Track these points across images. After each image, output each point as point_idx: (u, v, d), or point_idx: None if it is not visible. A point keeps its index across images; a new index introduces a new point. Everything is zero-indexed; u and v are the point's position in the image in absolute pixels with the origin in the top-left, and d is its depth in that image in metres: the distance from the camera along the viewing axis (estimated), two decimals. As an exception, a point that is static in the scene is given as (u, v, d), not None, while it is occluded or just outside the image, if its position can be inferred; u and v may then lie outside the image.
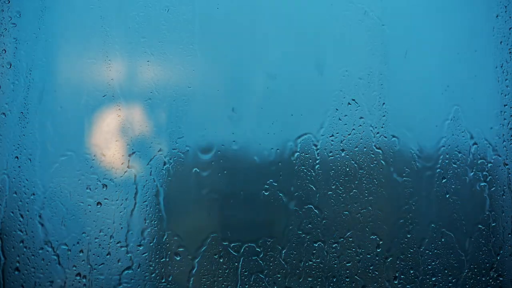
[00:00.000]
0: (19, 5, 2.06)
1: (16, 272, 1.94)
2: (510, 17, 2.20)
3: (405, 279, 2.04)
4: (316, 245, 2.02)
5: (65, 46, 2.05)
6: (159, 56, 2.05)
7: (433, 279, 2.05)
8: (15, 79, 2.02)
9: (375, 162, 2.07)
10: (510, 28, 2.20)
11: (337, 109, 2.08)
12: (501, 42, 2.19)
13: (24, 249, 1.94)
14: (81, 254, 1.95)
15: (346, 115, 2.08)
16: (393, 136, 2.09)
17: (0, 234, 1.95)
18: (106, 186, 1.98)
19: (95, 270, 1.94)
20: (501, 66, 2.18)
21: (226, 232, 2.00)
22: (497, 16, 2.20)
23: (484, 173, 2.12)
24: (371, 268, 2.03)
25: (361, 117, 2.09)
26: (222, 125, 2.04)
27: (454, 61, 2.18)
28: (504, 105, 2.17)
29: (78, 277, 1.94)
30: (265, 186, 2.02)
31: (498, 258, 2.09)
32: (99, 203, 1.97)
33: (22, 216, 1.95)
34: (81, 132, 2.00)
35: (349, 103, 2.09)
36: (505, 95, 2.17)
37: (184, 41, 2.07)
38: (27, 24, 2.04)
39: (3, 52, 2.04)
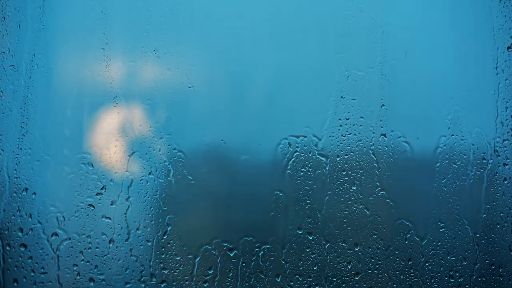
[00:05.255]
0: (19, 5, 2.06)
1: (16, 272, 1.94)
2: (510, 17, 2.21)
3: (405, 279, 2.04)
4: (316, 245, 2.02)
5: (66, 46, 2.05)
6: (159, 56, 2.05)
7: (433, 279, 2.05)
8: (15, 79, 2.01)
9: (375, 161, 2.07)
10: (510, 28, 2.20)
11: (337, 109, 2.08)
12: (501, 41, 2.20)
13: (24, 249, 1.94)
14: (81, 254, 1.95)
15: (346, 115, 2.08)
16: (393, 136, 2.09)
17: (0, 234, 1.95)
18: (106, 186, 1.98)
19: (95, 270, 1.94)
20: (501, 66, 2.18)
21: (226, 231, 2.00)
22: (496, 16, 2.20)
23: (484, 173, 2.12)
24: (371, 267, 2.03)
25: (361, 117, 2.09)
26: (222, 125, 2.04)
27: (454, 61, 2.18)
28: (504, 105, 2.17)
29: (78, 277, 1.94)
30: (266, 186, 2.02)
31: (498, 258, 2.09)
32: (99, 203, 1.97)
33: (22, 216, 1.95)
34: (81, 132, 2.00)
35: (350, 104, 2.09)
36: (505, 95, 2.17)
37: (184, 41, 2.07)
38: (28, 25, 2.04)
39: (4, 52, 2.04)
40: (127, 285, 1.95)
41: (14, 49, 2.04)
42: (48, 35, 2.04)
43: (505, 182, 2.12)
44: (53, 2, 2.06)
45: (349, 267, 2.02)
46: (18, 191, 1.96)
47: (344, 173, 2.06)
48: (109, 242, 1.96)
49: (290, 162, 2.04)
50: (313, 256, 2.02)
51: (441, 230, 2.07)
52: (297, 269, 2.01)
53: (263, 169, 2.03)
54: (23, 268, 1.94)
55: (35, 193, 1.96)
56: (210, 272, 1.98)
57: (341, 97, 2.09)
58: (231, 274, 1.98)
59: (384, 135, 2.09)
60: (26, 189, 1.96)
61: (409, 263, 2.05)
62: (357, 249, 2.03)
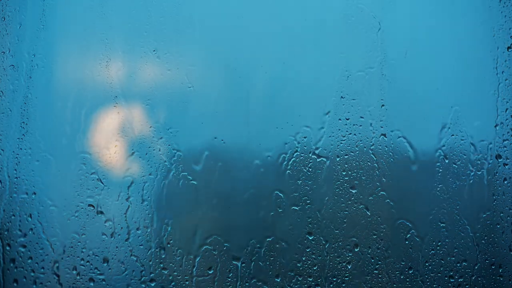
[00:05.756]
0: (19, 5, 2.06)
1: (16, 272, 1.94)
2: (510, 17, 2.21)
3: (405, 279, 2.04)
4: (316, 245, 2.02)
5: (66, 46, 2.05)
6: (159, 56, 2.05)
7: (433, 280, 2.05)
8: (15, 79, 2.02)
9: (375, 161, 2.07)
10: (510, 28, 2.20)
11: (337, 109, 2.08)
12: (501, 41, 2.20)
13: (24, 249, 1.94)
14: (81, 254, 1.95)
15: (346, 115, 2.08)
16: (393, 136, 2.09)
17: (0, 234, 1.95)
18: (106, 186, 1.98)
19: (95, 270, 1.94)
20: (501, 66, 2.18)
21: (226, 231, 2.00)
22: (496, 16, 2.20)
23: (484, 173, 2.12)
24: (371, 268, 2.03)
25: (361, 117, 2.09)
26: (222, 125, 2.04)
27: (454, 61, 2.18)
28: (504, 106, 2.17)
29: (78, 277, 1.94)
30: (266, 186, 2.02)
31: (498, 258, 2.09)
32: (99, 203, 1.97)
33: (22, 216, 1.95)
34: (81, 132, 2.00)
35: (350, 104, 2.09)
36: (505, 95, 2.17)
37: (184, 41, 2.07)
38: (28, 25, 2.04)
39: (4, 52, 2.04)
40: (127, 286, 1.95)
41: (14, 49, 2.04)
42: (48, 35, 2.05)
43: (505, 182, 2.12)
44: (53, 2, 2.06)
45: (349, 267, 2.02)
46: (18, 191, 1.96)
47: (344, 173, 2.06)
48: (109, 242, 1.96)
49: (290, 162, 2.04)
50: (313, 256, 2.02)
51: (441, 230, 2.07)
52: (297, 269, 2.01)
53: (263, 169, 2.03)
54: (23, 268, 1.94)
55: (35, 193, 1.96)
56: (210, 272, 1.98)
57: (341, 97, 2.09)
58: (231, 274, 1.98)
59: (384, 135, 2.09)
60: (26, 189, 1.96)
61: (409, 263, 2.05)
62: (357, 250, 2.03)
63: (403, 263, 2.04)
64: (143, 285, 1.95)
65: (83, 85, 2.03)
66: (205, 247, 1.98)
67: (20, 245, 1.94)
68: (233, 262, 1.99)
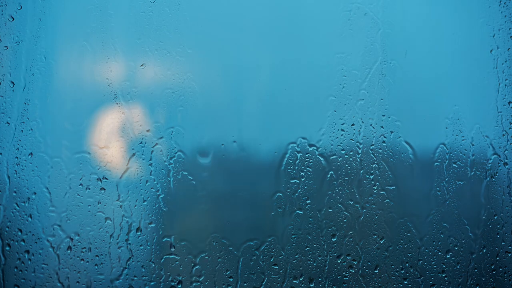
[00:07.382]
0: (19, 4, 2.06)
1: (16, 272, 1.94)
2: (510, 17, 2.21)
3: (405, 279, 2.04)
4: (316, 245, 2.02)
5: (65, 46, 2.05)
6: (159, 56, 2.05)
7: (433, 279, 2.06)
8: (15, 79, 2.01)
9: (375, 162, 2.07)
10: (510, 28, 2.20)
11: (336, 109, 2.08)
12: (501, 41, 2.20)
13: (24, 249, 1.94)
14: (81, 254, 1.95)
15: (345, 115, 2.08)
16: (393, 136, 2.09)
17: (0, 234, 1.95)
18: (106, 186, 1.98)
19: (95, 270, 1.94)
20: (501, 65, 2.18)
21: (226, 231, 2.00)
22: (496, 16, 2.20)
23: (484, 173, 2.12)
24: (371, 267, 2.03)
25: (360, 118, 2.09)
26: (222, 125, 2.04)
27: (454, 61, 2.18)
28: (504, 105, 2.17)
29: (78, 277, 1.94)
30: (266, 186, 2.02)
31: (498, 258, 2.09)
32: (99, 203, 1.97)
33: (22, 215, 1.95)
34: (81, 132, 2.00)
35: (350, 104, 2.09)
36: (505, 95, 2.17)
37: (184, 41, 2.07)
38: (27, 24, 2.04)
39: (3, 51, 2.03)
40: (128, 286, 1.95)
41: (14, 48, 2.04)
42: (48, 35, 2.04)
43: (505, 182, 2.12)
44: (53, 1, 2.06)
45: (349, 267, 2.02)
46: (18, 191, 1.96)
47: (344, 173, 2.06)
48: (109, 242, 1.96)
49: (290, 162, 2.04)
50: (313, 256, 2.02)
51: (441, 230, 2.07)
52: (297, 269, 2.01)
53: (263, 169, 2.03)
54: (23, 268, 1.94)
55: (35, 193, 1.96)
56: (210, 272, 1.98)
57: (341, 97, 2.09)
58: (231, 274, 1.98)
59: (384, 135, 2.09)
60: (26, 189, 1.96)
61: (409, 263, 2.05)
62: (357, 249, 2.03)
63: (403, 263, 2.04)
64: (143, 285, 1.95)
65: (83, 85, 2.02)
66: (205, 247, 1.98)
67: (20, 245, 1.94)
68: (233, 262, 1.99)
